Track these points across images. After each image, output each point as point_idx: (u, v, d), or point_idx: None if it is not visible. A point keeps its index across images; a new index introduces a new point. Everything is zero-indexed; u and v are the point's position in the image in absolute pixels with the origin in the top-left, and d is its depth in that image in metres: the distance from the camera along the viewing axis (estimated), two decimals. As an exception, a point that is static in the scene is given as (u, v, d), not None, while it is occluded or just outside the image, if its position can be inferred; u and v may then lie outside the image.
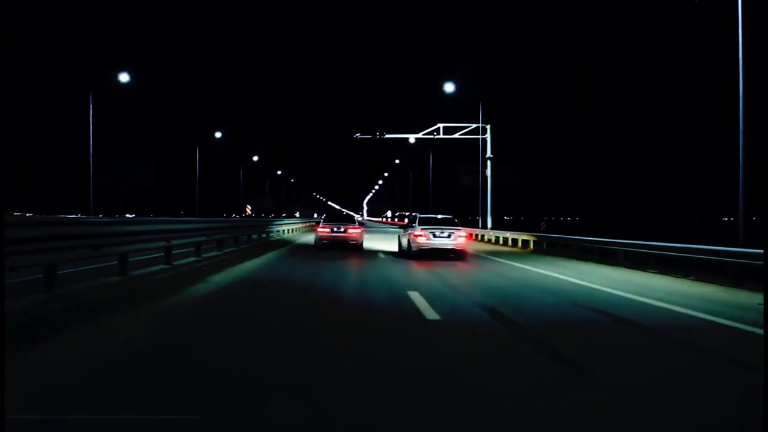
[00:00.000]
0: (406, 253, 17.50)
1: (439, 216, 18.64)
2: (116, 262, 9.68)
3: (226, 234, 17.11)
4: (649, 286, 10.60)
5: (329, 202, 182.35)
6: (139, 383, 3.99)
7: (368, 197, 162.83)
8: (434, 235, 16.79)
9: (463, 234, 17.26)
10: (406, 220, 21.25)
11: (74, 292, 7.84)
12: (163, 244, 11.59)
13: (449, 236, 16.79)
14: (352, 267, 13.61)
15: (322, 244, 19.62)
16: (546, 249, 20.75)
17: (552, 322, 6.95)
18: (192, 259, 13.46)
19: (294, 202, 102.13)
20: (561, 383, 4.27)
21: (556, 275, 12.44)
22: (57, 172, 56.47)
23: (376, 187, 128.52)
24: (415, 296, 8.40)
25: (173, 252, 12.09)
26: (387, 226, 70.74)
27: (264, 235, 25.58)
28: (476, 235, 32.38)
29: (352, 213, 54.28)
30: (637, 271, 13.57)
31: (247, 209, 69.85)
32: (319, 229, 20.23)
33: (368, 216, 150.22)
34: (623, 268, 14.36)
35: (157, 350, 4.99)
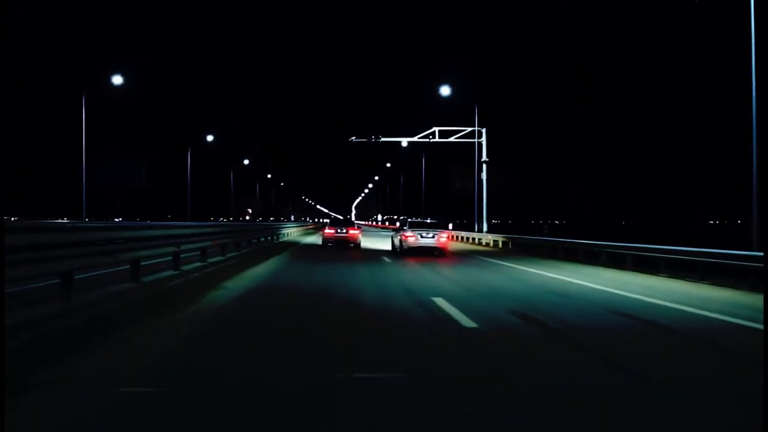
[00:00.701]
0: (398, 251, 20.74)
1: (427, 220, 23.28)
2: (120, 267, 9.41)
3: (228, 239, 16.85)
4: (667, 290, 10.56)
5: (318, 206, 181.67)
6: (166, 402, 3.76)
7: (357, 201, 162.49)
8: (421, 236, 20.10)
9: (445, 235, 20.89)
10: (398, 224, 24.63)
11: (92, 300, 7.60)
12: (173, 249, 11.35)
13: (433, 237, 20.16)
14: (364, 273, 13.41)
15: (327, 242, 23.95)
16: (548, 253, 20.73)
17: (587, 327, 6.88)
18: (198, 264, 13.22)
19: (283, 205, 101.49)
20: (629, 390, 4.27)
21: (569, 279, 12.37)
22: (50, 174, 55.66)
23: (366, 191, 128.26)
24: (442, 303, 8.25)
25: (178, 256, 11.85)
26: (379, 229, 70.59)
27: (263, 239, 25.37)
28: (472, 239, 32.40)
29: (339, 216, 54.74)
30: (648, 275, 13.54)
31: (247, 213, 69.32)
32: (326, 231, 24.72)
33: (356, 220, 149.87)
34: (632, 272, 14.33)
35: (183, 365, 4.69)
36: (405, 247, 20.12)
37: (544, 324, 6.87)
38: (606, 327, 6.95)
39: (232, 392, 3.94)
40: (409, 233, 20.26)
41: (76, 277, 7.68)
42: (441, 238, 20.20)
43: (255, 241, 23.05)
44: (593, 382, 4.45)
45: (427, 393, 4.04)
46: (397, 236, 21.70)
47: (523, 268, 15.52)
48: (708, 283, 11.80)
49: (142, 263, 9.79)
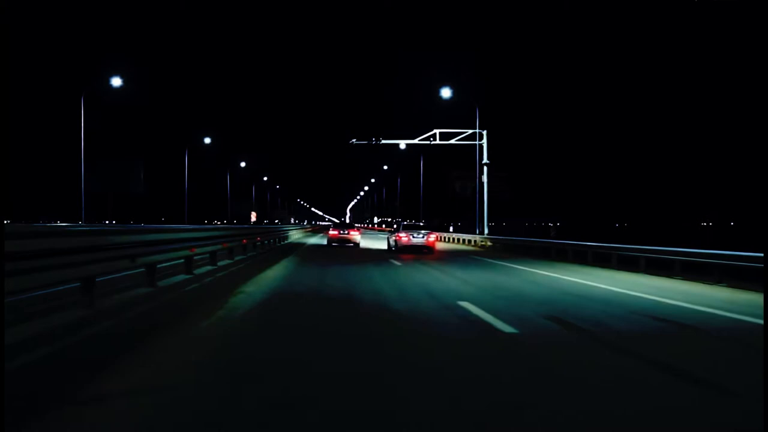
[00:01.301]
0: (393, 249, 24.13)
1: (420, 223, 27.30)
2: (130, 271, 9.14)
3: (236, 242, 16.63)
4: (687, 293, 10.49)
5: (312, 209, 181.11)
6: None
7: (352, 203, 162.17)
8: (413, 237, 23.52)
9: (433, 236, 24.56)
10: (395, 226, 26.89)
11: (114, 306, 7.41)
12: (187, 253, 11.16)
13: (423, 237, 23.66)
14: (378, 276, 13.21)
15: (332, 242, 27.82)
16: (556, 256, 20.66)
17: (625, 331, 6.78)
18: (209, 267, 13.03)
19: (279, 208, 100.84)
20: (691, 393, 4.25)
21: (585, 282, 12.27)
22: (42, 176, 55.10)
23: (362, 193, 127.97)
24: (471, 307, 8.11)
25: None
26: (375, 232, 70.51)
27: (266, 242, 25.21)
28: (474, 241, 32.36)
29: (334, 219, 55.56)
30: (662, 278, 13.47)
31: (252, 216, 68.94)
32: (331, 232, 28.85)
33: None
34: (645, 274, 14.27)
35: (224, 380, 4.37)
36: (399, 245, 23.55)
37: (581, 328, 6.75)
38: (644, 331, 6.87)
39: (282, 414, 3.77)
40: (402, 234, 23.74)
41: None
42: (429, 238, 23.83)
43: (259, 243, 22.90)
44: (659, 386, 4.46)
45: (500, 403, 3.94)
46: (392, 237, 25.28)
47: (533, 270, 15.43)
48: (725, 286, 11.75)
49: (158, 266, 9.59)
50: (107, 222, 46.86)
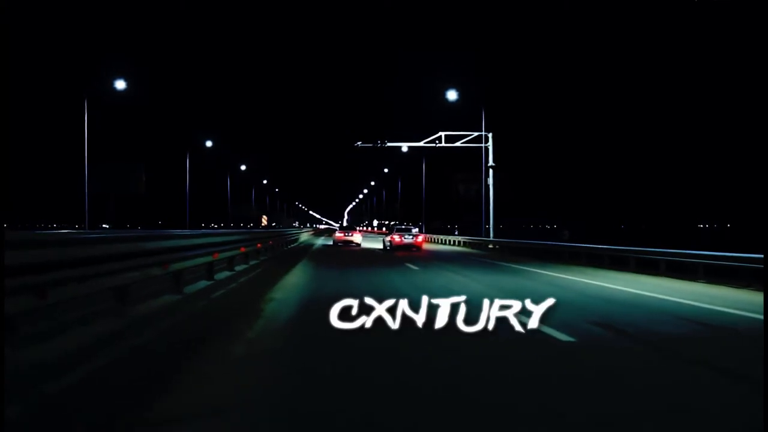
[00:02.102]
0: (388, 249, 28.18)
1: (411, 226, 33.79)
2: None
3: (251, 247, 16.40)
4: (717, 297, 10.38)
5: (310, 211, 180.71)
6: None
7: (350, 206, 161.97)
8: (404, 238, 28.26)
9: (421, 237, 29.68)
10: (389, 230, 32.52)
11: (146, 315, 7.17)
12: (210, 259, 10.95)
13: (412, 237, 28.46)
14: (398, 279, 13.06)
15: (337, 243, 32.40)
16: (568, 259, 20.50)
17: (675, 336, 6.73)
18: (228, 273, 12.81)
19: (279, 211, 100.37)
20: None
21: (610, 286, 12.11)
22: (40, 180, 54.64)
23: (360, 196, 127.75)
24: (512, 314, 7.93)
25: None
26: (375, 234, 70.42)
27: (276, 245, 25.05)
28: (479, 244, 32.20)
29: (332, 222, 56.06)
30: (685, 281, 13.32)
31: (263, 220, 68.72)
32: (337, 235, 34.19)
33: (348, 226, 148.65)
34: (667, 278, 14.12)
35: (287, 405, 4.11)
36: (393, 245, 27.99)
37: (633, 335, 6.63)
38: (692, 336, 6.84)
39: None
40: (395, 236, 28.54)
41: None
42: (417, 239, 28.55)
43: (270, 247, 22.76)
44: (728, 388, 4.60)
45: (609, 415, 3.90)
46: (387, 238, 29.82)
47: (550, 273, 15.27)
48: (754, 290, 11.60)
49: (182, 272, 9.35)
50: (104, 226, 46.42)
